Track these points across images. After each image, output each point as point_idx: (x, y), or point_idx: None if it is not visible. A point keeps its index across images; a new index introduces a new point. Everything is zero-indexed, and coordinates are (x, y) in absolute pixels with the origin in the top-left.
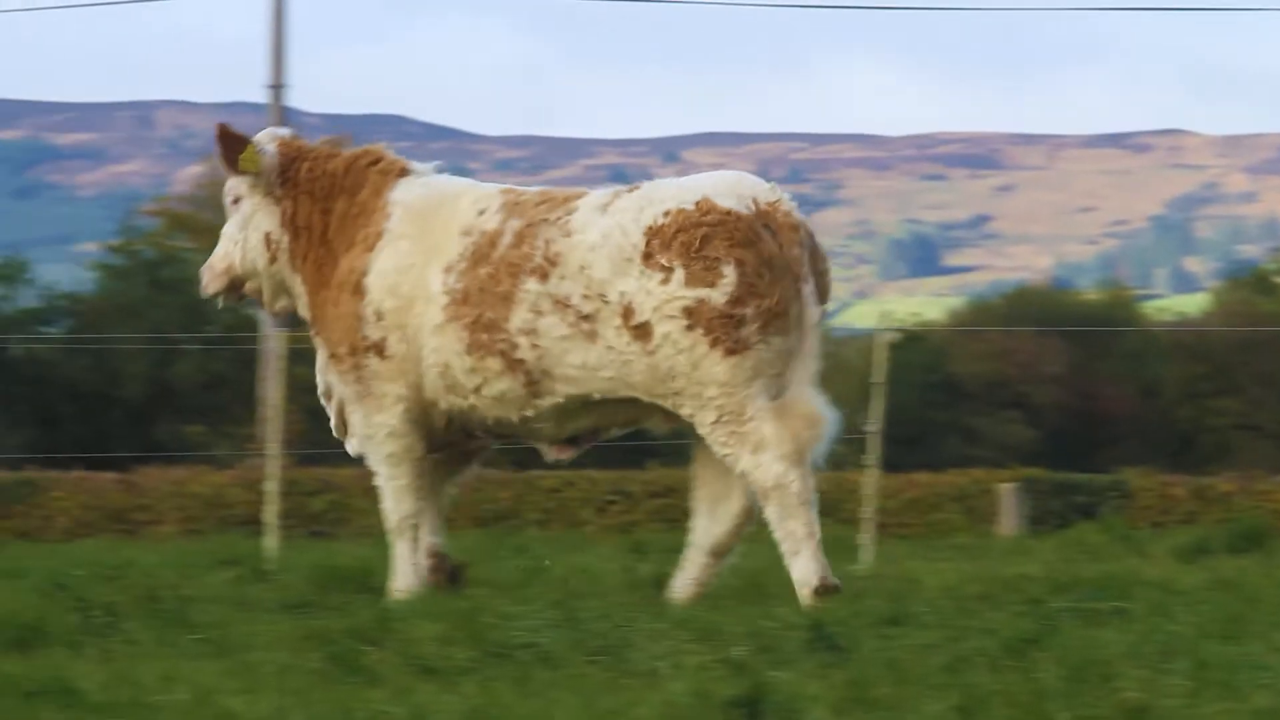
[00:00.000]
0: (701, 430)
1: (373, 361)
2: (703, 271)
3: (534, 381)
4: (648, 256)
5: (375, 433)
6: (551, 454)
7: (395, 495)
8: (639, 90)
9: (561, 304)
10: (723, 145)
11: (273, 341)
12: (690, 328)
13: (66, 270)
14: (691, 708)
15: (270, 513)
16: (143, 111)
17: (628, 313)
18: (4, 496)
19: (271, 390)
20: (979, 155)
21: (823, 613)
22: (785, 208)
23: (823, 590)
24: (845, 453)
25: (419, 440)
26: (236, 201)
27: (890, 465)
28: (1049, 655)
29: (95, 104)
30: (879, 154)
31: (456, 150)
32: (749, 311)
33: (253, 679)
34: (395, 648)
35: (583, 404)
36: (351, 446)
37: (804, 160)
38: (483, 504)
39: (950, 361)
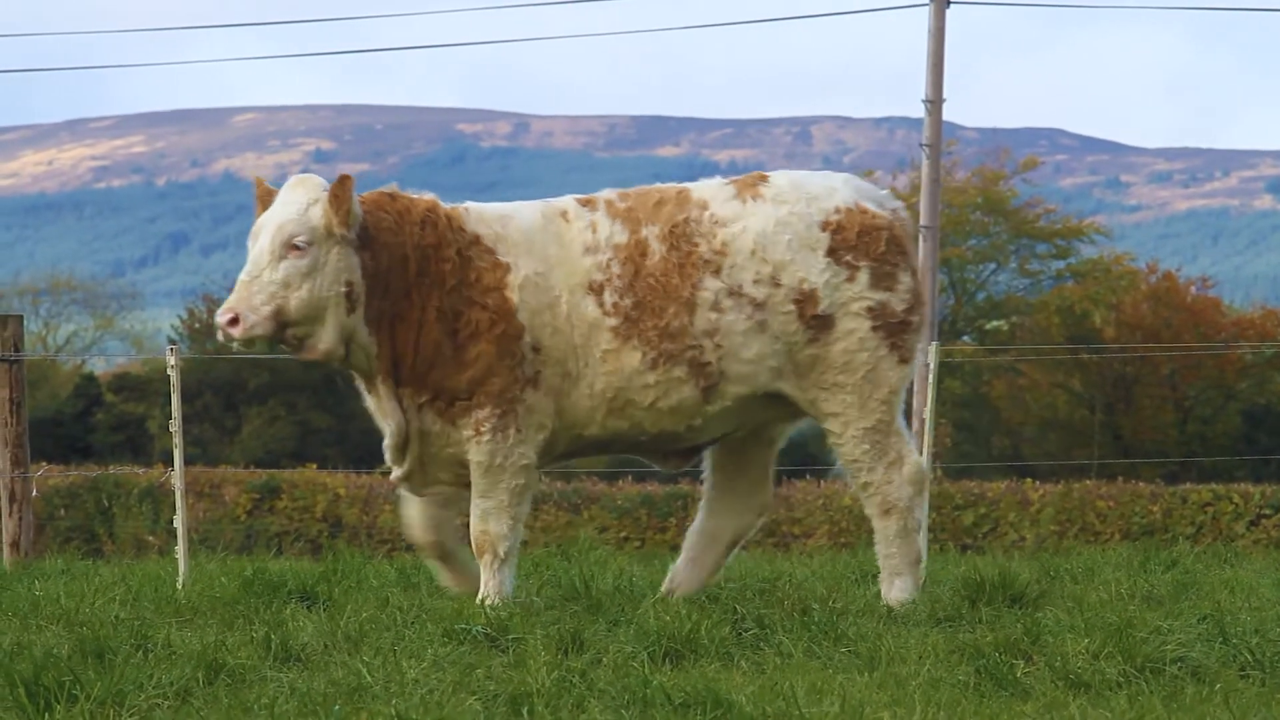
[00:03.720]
0: (843, 433)
1: (528, 395)
2: (886, 275)
3: (711, 385)
4: (832, 251)
5: (511, 464)
6: (669, 465)
7: (511, 523)
8: None
9: (737, 294)
10: None
11: (923, 354)
12: (876, 329)
13: None
14: None
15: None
16: (800, 126)
17: (806, 299)
18: (658, 509)
19: (922, 403)
20: None
21: None
22: (904, 214)
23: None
24: None
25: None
26: (301, 248)
27: None
28: None
29: (754, 120)
30: None
31: (1112, 163)
32: (916, 320)
33: (902, 692)
34: (1045, 662)
35: (741, 405)
36: (400, 474)
37: None
38: (1133, 518)
39: None
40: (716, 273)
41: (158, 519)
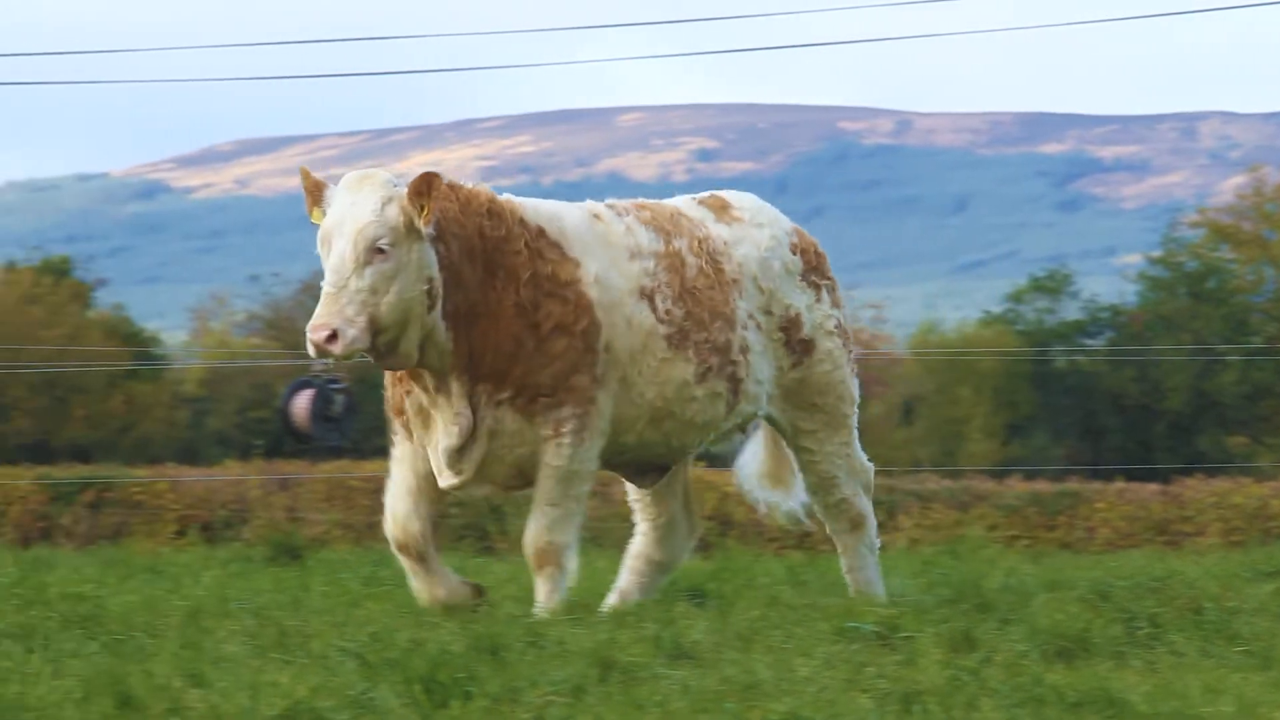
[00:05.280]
0: (819, 450)
1: (600, 397)
2: (836, 292)
3: (734, 404)
4: (805, 274)
5: (585, 470)
6: (646, 482)
7: (575, 534)
8: None
9: (752, 316)
10: None
11: None
12: (842, 345)
13: (1109, 282)
14: None
15: None
16: (1186, 123)
17: (792, 325)
18: (1047, 507)
19: None
20: None
21: None
22: None
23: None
24: None
25: None
26: (385, 251)
27: None
28: None
29: (1138, 116)
30: None
31: None
32: (850, 335)
33: None
34: None
35: (739, 425)
36: (449, 480)
37: None
38: None
39: None
40: (741, 294)
41: None
